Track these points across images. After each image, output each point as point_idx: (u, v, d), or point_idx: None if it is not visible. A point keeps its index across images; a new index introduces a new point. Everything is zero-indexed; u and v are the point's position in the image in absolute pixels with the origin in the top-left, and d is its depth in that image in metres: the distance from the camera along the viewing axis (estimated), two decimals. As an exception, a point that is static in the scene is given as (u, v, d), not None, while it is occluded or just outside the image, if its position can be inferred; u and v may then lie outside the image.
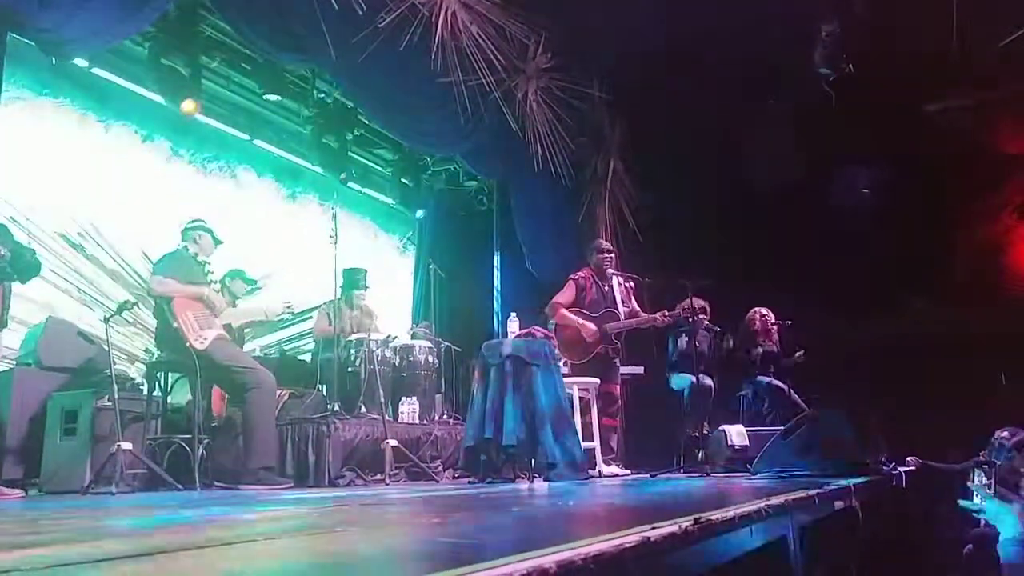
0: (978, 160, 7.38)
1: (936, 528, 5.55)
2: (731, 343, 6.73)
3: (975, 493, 5.25)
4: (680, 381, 6.58)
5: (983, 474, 5.29)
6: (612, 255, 5.97)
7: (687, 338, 6.47)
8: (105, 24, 4.58)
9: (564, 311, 5.60)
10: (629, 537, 1.38)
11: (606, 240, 6.41)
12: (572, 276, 5.80)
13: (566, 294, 5.69)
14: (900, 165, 7.39)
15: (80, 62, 5.85)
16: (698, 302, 5.92)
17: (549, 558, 1.14)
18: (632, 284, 5.96)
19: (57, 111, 5.91)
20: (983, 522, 5.09)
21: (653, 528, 1.49)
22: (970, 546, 5.03)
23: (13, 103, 5.39)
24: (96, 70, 6.09)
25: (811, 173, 7.42)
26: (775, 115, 7.39)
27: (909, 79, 6.98)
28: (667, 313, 5.65)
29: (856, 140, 7.27)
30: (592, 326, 5.58)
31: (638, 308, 5.83)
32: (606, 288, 5.79)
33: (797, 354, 6.72)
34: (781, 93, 7.40)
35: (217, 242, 4.96)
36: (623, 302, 5.78)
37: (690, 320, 5.73)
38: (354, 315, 6.18)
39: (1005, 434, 5.22)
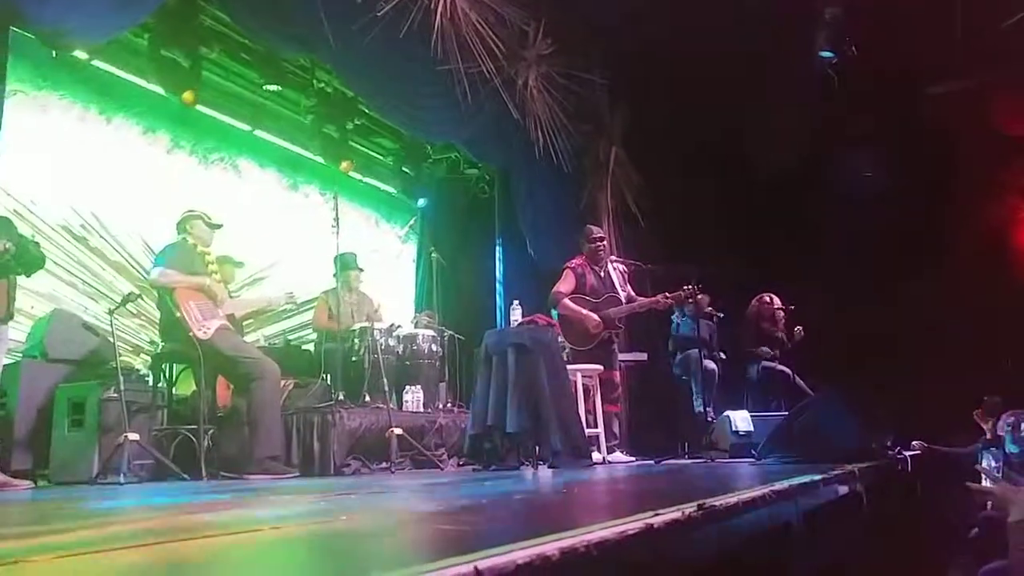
0: (982, 143, 7.34)
1: (942, 512, 5.55)
2: (718, 318, 6.67)
3: (984, 477, 5.23)
4: (683, 361, 6.59)
5: (991, 457, 5.28)
6: (604, 241, 5.96)
7: (690, 324, 6.48)
8: (105, 15, 4.57)
9: (567, 301, 5.58)
10: (632, 523, 1.38)
11: (598, 227, 6.29)
12: (568, 265, 5.77)
13: (566, 282, 5.67)
14: (903, 148, 7.36)
15: (80, 54, 5.84)
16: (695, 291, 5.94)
17: (552, 545, 1.14)
18: (626, 268, 5.98)
19: (58, 104, 5.90)
20: (990, 505, 5.08)
21: (656, 514, 1.49)
22: (976, 529, 5.03)
23: (14, 96, 5.38)
24: (96, 62, 6.07)
25: (813, 156, 7.39)
26: (777, 98, 7.35)
27: (912, 61, 6.94)
28: (668, 295, 5.65)
29: (858, 123, 7.23)
30: (596, 317, 5.56)
31: (633, 292, 5.84)
32: (603, 273, 5.79)
33: (796, 329, 6.71)
34: (783, 76, 7.36)
35: (212, 226, 4.94)
36: (620, 287, 5.79)
37: (689, 300, 5.74)
38: (352, 300, 6.18)
39: (1012, 419, 5.20)
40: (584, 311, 5.56)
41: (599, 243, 5.85)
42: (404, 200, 9.07)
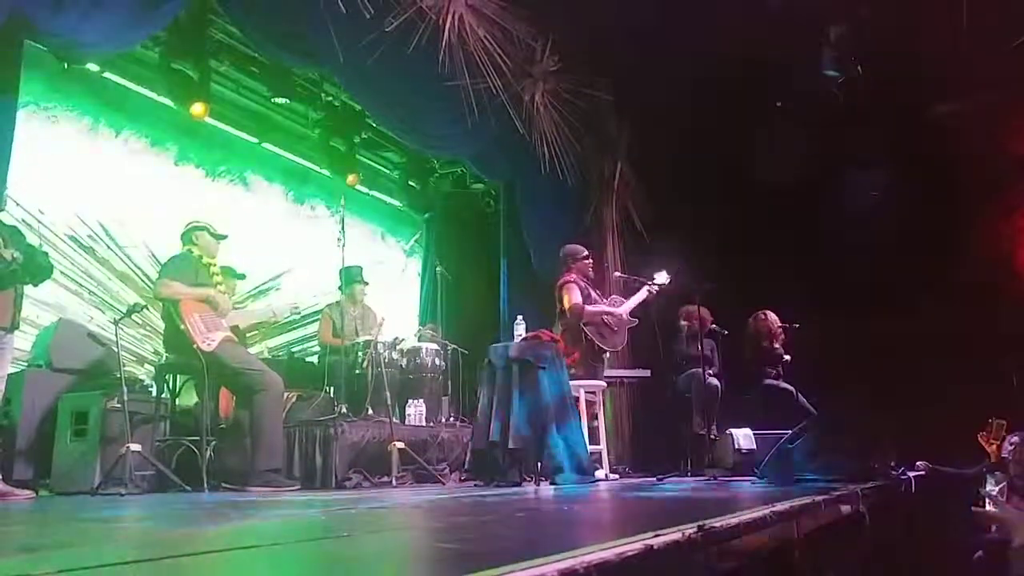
0: (987, 162, 7.34)
1: (945, 534, 5.51)
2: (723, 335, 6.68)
3: (988, 500, 5.18)
4: (687, 378, 6.59)
5: (995, 480, 5.23)
6: (590, 257, 6.01)
7: (692, 341, 6.47)
8: (117, 29, 4.61)
9: (589, 307, 5.59)
10: (632, 545, 1.38)
11: (578, 245, 6.31)
12: (569, 279, 5.73)
13: (575, 294, 5.66)
14: (909, 167, 7.36)
15: (91, 67, 5.89)
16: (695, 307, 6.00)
17: (551, 566, 1.14)
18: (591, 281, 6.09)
19: (68, 115, 5.95)
20: (994, 528, 5.03)
21: (656, 535, 1.49)
22: (980, 553, 4.99)
23: (25, 107, 5.43)
24: (107, 74, 6.13)
25: (818, 175, 7.40)
26: (782, 117, 7.37)
27: (918, 80, 6.95)
28: (650, 284, 5.80)
29: (864, 142, 7.24)
30: (618, 309, 5.68)
31: None
32: (592, 286, 5.86)
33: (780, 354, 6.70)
34: (788, 95, 7.38)
35: (218, 237, 4.96)
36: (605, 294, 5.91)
37: (662, 284, 5.89)
38: (357, 313, 6.19)
39: (1016, 439, 5.16)
40: (607, 308, 5.62)
41: (587, 259, 5.90)
42: (410, 214, 9.10)
